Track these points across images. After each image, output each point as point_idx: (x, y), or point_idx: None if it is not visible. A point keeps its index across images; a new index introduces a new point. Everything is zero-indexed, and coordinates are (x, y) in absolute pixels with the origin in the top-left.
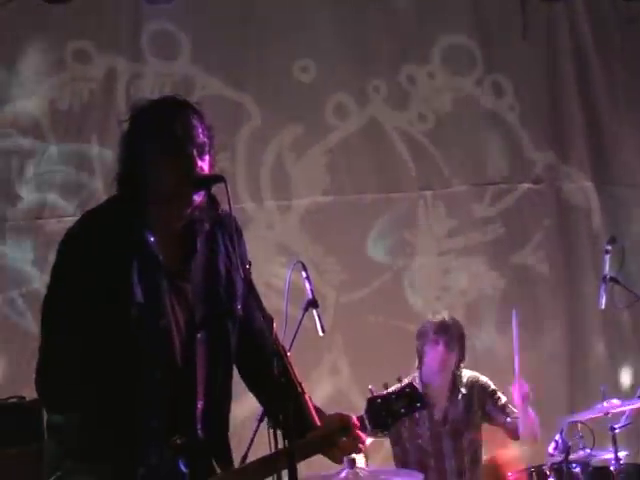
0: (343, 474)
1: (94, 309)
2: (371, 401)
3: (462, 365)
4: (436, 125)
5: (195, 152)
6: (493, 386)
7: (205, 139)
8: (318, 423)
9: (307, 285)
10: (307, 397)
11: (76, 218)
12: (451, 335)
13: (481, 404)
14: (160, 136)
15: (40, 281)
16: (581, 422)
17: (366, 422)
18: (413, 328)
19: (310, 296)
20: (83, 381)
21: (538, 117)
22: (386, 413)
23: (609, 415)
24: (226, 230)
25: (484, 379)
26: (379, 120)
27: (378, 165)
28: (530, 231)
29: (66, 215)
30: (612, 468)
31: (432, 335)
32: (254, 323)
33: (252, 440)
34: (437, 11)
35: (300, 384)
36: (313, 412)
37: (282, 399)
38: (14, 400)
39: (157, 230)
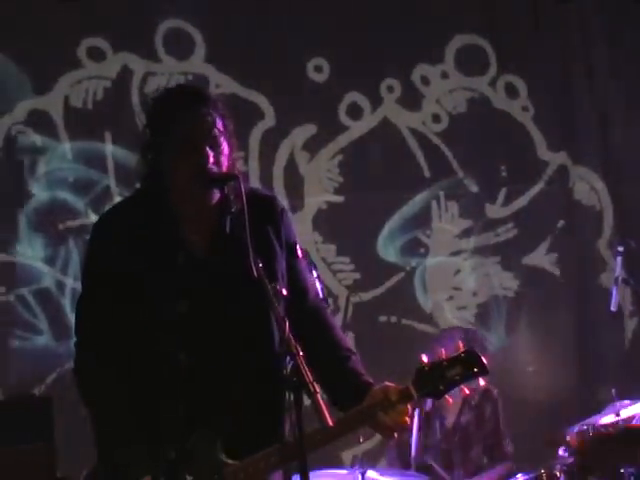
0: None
1: (120, 298)
2: (419, 369)
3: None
4: (449, 125)
5: (208, 146)
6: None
7: (220, 128)
8: (330, 423)
9: (317, 285)
10: (319, 397)
11: (87, 217)
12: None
13: (490, 419)
14: (170, 134)
15: (51, 279)
16: (592, 425)
17: (412, 391)
18: (425, 328)
19: (321, 296)
20: (116, 369)
21: (551, 118)
22: (437, 380)
23: (619, 417)
24: (262, 211)
25: (496, 395)
26: (392, 120)
27: (391, 165)
28: (543, 232)
29: (78, 213)
30: (622, 470)
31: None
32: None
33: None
34: (451, 11)
35: (313, 384)
36: (326, 413)
37: (295, 397)
38: (24, 397)
39: (182, 214)
